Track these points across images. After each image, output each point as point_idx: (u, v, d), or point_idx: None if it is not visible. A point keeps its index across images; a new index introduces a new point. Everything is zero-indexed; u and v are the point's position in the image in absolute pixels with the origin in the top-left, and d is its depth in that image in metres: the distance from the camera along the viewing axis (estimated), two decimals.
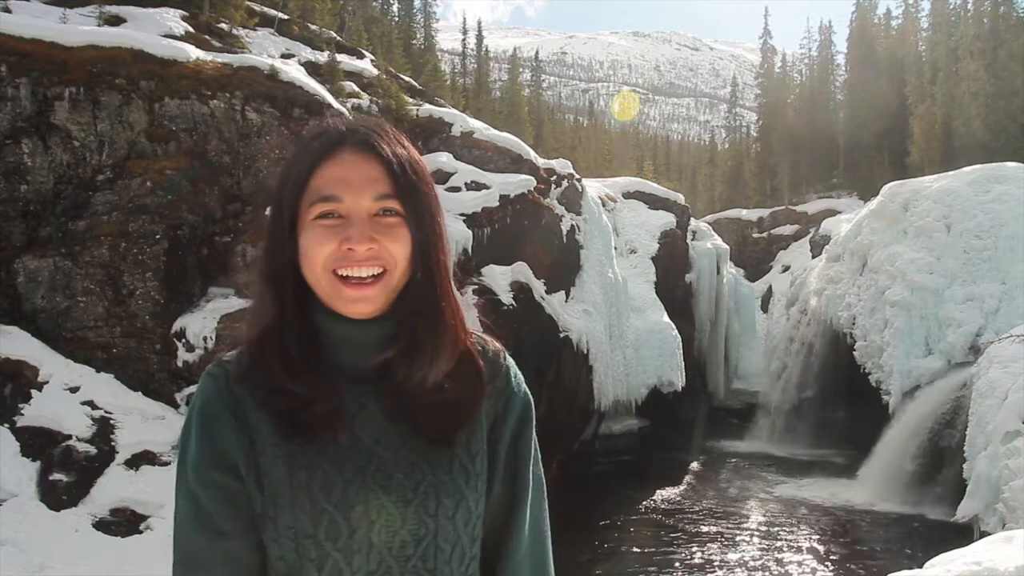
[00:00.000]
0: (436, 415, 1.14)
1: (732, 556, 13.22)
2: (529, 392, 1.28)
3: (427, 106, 17.91)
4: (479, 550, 1.18)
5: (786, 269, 30.35)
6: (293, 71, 13.20)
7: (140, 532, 8.53)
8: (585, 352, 17.24)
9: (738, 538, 14.21)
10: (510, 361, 1.27)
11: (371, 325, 1.13)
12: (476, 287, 14.75)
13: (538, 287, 16.03)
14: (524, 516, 1.23)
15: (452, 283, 1.18)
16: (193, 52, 12.07)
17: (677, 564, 12.81)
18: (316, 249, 1.09)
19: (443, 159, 16.07)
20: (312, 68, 15.96)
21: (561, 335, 16.48)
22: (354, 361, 1.14)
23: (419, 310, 1.14)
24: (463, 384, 1.17)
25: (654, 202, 24.89)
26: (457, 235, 14.61)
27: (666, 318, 20.75)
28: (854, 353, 18.82)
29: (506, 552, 1.22)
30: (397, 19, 34.11)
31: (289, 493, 1.07)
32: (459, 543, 1.14)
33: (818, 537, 14.23)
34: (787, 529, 14.68)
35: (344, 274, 1.09)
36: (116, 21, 13.76)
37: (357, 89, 16.81)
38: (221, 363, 1.15)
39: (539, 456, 1.29)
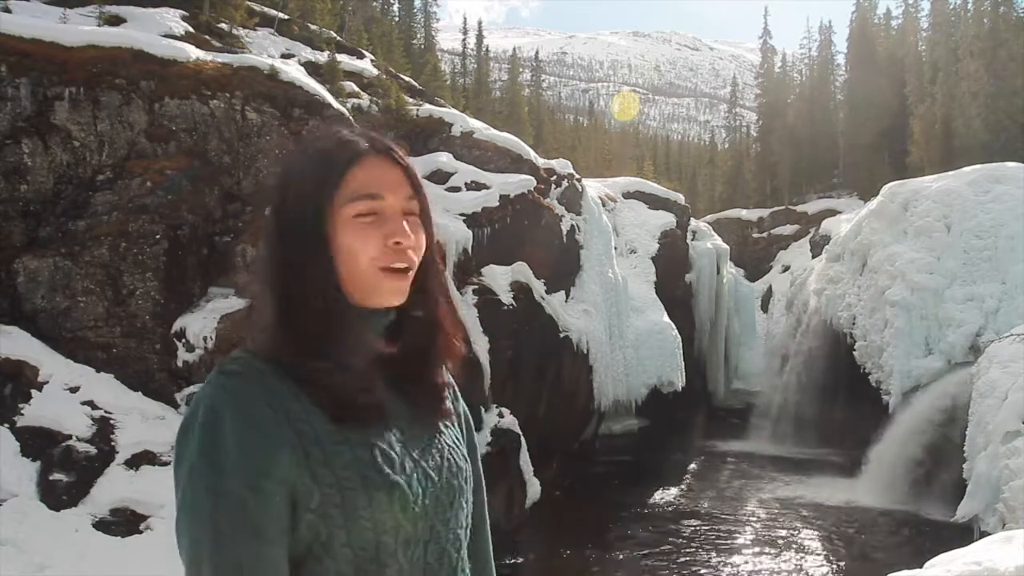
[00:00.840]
0: (435, 397, 1.27)
1: (732, 556, 13.21)
2: None
3: (427, 106, 17.92)
4: None
5: (786, 269, 30.35)
6: (293, 71, 13.20)
7: (140, 532, 8.53)
8: (585, 352, 17.24)
9: (738, 538, 14.21)
10: None
11: (379, 313, 1.20)
12: (476, 287, 14.74)
13: (538, 287, 16.03)
14: (483, 506, 1.40)
15: (447, 280, 1.32)
16: (193, 52, 12.06)
17: (676, 564, 12.80)
18: (363, 247, 1.15)
19: (443, 159, 16.07)
20: (312, 68, 15.96)
21: (561, 335, 16.48)
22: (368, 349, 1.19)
23: (421, 302, 1.24)
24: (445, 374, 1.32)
25: (654, 202, 24.91)
26: (457, 235, 14.61)
27: (666, 318, 20.75)
28: (854, 353, 18.82)
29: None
30: (397, 19, 34.12)
31: (358, 475, 1.09)
32: (471, 502, 1.28)
33: (818, 537, 14.23)
34: (787, 529, 14.69)
35: (392, 267, 1.16)
36: (116, 21, 13.75)
37: (357, 89, 16.82)
38: (239, 361, 1.12)
39: None
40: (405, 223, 1.18)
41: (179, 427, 1.09)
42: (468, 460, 1.28)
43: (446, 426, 1.27)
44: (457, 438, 1.29)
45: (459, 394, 1.38)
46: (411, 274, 1.18)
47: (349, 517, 1.07)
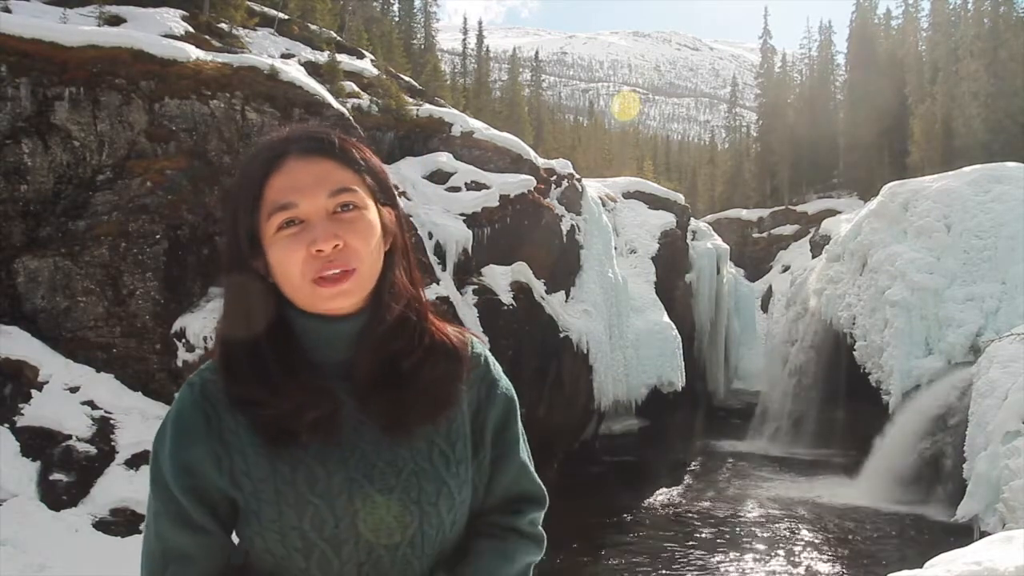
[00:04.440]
0: (410, 405, 1.15)
1: (732, 556, 13.21)
2: (510, 382, 1.31)
3: (427, 106, 17.91)
4: (456, 534, 1.20)
5: (786, 269, 30.36)
6: (293, 71, 13.19)
7: (140, 532, 8.41)
8: (585, 352, 17.24)
9: (738, 538, 14.20)
10: (483, 350, 1.29)
11: (345, 321, 1.14)
12: (476, 287, 14.75)
13: (538, 287, 16.03)
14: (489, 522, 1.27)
15: (405, 271, 1.20)
16: (193, 52, 12.06)
17: (677, 564, 12.80)
18: (289, 261, 1.09)
19: (443, 159, 16.07)
20: (312, 68, 15.95)
21: (561, 335, 16.48)
22: (330, 358, 1.15)
23: (378, 300, 1.16)
24: (436, 374, 1.18)
25: (654, 202, 24.91)
26: (457, 235, 14.62)
27: (666, 318, 20.75)
28: (854, 353, 18.81)
29: None
30: (397, 19, 34.10)
31: (272, 488, 1.10)
32: (442, 528, 1.16)
33: (818, 537, 14.22)
34: (787, 529, 14.68)
35: (320, 277, 1.10)
36: (116, 21, 13.75)
37: (357, 89, 16.81)
38: (200, 371, 1.17)
39: (526, 444, 1.33)
40: (334, 224, 1.09)
41: None
42: (447, 478, 1.16)
43: (422, 439, 1.16)
44: (442, 452, 1.17)
45: (493, 389, 1.25)
46: (354, 275, 1.10)
47: (264, 527, 1.11)
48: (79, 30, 11.60)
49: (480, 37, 40.91)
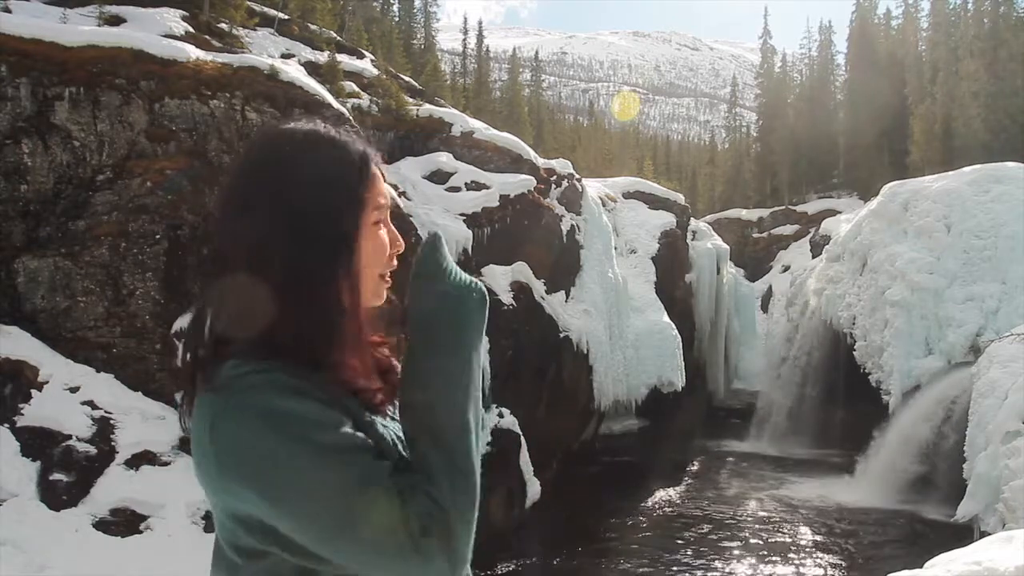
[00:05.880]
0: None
1: (731, 557, 13.21)
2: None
3: (427, 106, 17.92)
4: None
5: (786, 269, 30.36)
6: (293, 71, 13.19)
7: (140, 532, 8.53)
8: (585, 352, 17.24)
9: (738, 539, 14.21)
10: None
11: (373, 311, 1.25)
12: None
13: (538, 287, 16.03)
14: None
15: None
16: (193, 52, 12.05)
17: (676, 565, 12.80)
18: (380, 254, 1.20)
19: (443, 159, 16.08)
20: (312, 68, 15.96)
21: (561, 335, 16.48)
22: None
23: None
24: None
25: (654, 202, 24.91)
26: (457, 235, 14.61)
27: (666, 318, 20.75)
28: (854, 353, 18.82)
29: None
30: (397, 19, 34.12)
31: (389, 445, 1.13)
32: None
33: (818, 537, 14.23)
34: (787, 529, 14.68)
35: (387, 273, 1.22)
36: (116, 21, 13.75)
37: (357, 89, 16.81)
38: (250, 368, 1.09)
39: None
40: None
41: (210, 444, 1.07)
42: None
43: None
44: None
45: None
46: None
47: None
48: (79, 30, 11.59)
49: (480, 37, 40.91)
